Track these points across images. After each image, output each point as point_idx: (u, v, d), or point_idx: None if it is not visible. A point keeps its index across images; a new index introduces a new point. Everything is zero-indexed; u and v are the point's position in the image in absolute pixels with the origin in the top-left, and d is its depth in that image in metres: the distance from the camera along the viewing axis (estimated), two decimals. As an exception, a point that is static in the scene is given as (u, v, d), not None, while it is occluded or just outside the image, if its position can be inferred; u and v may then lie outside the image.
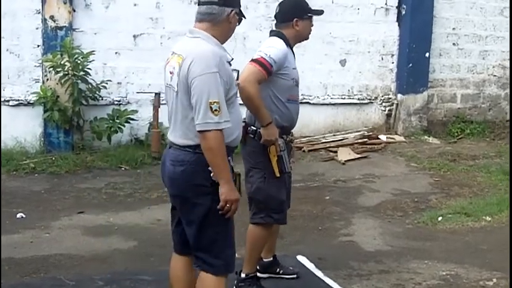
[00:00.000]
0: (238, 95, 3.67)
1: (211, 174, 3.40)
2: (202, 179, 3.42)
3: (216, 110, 3.28)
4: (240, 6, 3.60)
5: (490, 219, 6.36)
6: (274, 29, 4.58)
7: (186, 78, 3.36)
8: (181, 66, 3.39)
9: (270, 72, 4.23)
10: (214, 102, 3.28)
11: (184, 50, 3.45)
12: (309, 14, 4.51)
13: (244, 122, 4.38)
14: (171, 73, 3.50)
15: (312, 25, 4.56)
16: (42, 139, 8.33)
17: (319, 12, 4.61)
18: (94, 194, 7.01)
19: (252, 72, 4.18)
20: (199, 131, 3.32)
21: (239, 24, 3.64)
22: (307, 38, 4.64)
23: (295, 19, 4.42)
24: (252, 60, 4.23)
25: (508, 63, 10.71)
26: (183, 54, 3.43)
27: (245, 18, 3.69)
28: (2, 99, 8.15)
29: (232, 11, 3.51)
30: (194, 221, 3.51)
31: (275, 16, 4.54)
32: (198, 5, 3.57)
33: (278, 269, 4.85)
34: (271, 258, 4.82)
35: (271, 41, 4.38)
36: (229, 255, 3.63)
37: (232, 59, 3.63)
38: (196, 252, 3.60)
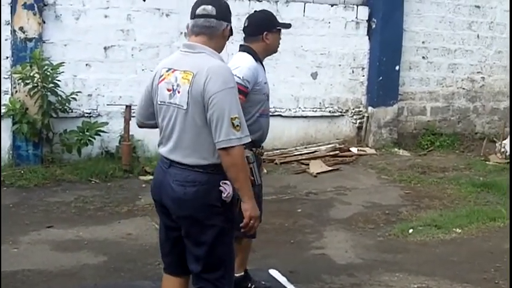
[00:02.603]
0: None
1: (222, 195, 3.37)
2: (214, 199, 3.39)
3: (237, 126, 3.27)
4: (231, 21, 3.59)
5: (460, 231, 6.40)
6: (242, 43, 4.57)
7: (202, 96, 3.29)
8: (192, 84, 3.32)
9: (246, 93, 4.23)
10: (235, 117, 3.27)
11: (193, 66, 3.37)
12: (278, 27, 4.54)
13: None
14: (169, 90, 3.42)
15: (280, 38, 4.59)
16: (11, 152, 8.20)
17: (287, 26, 4.67)
18: (63, 208, 6.91)
19: None
20: (222, 148, 3.28)
21: (228, 40, 3.63)
22: (276, 51, 4.66)
23: (265, 32, 4.43)
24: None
25: (476, 77, 10.87)
26: (192, 70, 3.35)
27: (232, 35, 3.67)
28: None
29: (227, 25, 3.53)
30: (206, 242, 3.46)
31: (244, 30, 4.54)
32: (193, 18, 3.50)
33: (250, 284, 4.80)
34: (243, 273, 4.78)
35: (240, 59, 4.36)
36: (232, 275, 3.68)
37: None
38: (202, 273, 3.53)
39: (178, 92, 3.37)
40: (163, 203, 3.54)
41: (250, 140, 3.38)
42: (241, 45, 4.55)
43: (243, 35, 4.55)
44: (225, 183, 3.38)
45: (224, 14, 3.50)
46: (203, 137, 3.35)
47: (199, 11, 3.46)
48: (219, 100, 3.27)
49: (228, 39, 3.61)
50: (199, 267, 3.52)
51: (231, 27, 3.57)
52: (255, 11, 4.68)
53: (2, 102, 8.04)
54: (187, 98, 3.33)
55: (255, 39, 4.45)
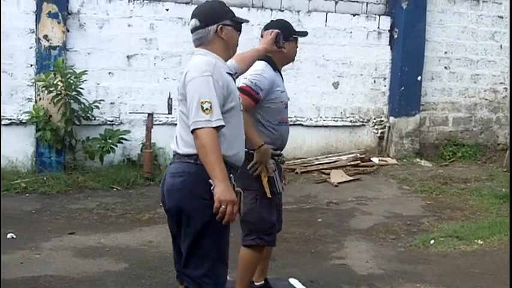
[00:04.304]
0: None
1: (212, 188, 3.27)
2: (202, 191, 3.33)
3: (207, 109, 3.26)
4: (228, 17, 3.57)
5: (481, 242, 6.34)
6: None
7: (184, 88, 3.40)
8: (182, 79, 3.44)
9: (256, 99, 4.25)
10: (205, 101, 3.27)
11: (186, 67, 3.51)
12: (294, 36, 4.55)
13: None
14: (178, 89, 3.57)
15: (297, 46, 4.60)
16: (34, 159, 8.29)
17: (304, 34, 4.68)
18: (85, 214, 6.97)
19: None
20: (192, 131, 3.29)
21: (239, 31, 3.64)
22: (293, 60, 4.69)
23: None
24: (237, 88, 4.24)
25: (499, 87, 10.79)
26: (185, 69, 3.48)
27: (247, 22, 3.70)
28: (-6, 118, 8.13)
29: (218, 26, 3.51)
30: (190, 234, 3.40)
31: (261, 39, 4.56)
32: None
33: (270, 293, 4.82)
34: (263, 282, 4.78)
35: (258, 67, 4.38)
36: (220, 275, 3.49)
37: (236, 72, 3.66)
38: (185, 268, 3.47)
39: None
40: (163, 202, 3.58)
41: (222, 123, 3.30)
42: None
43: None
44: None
45: (208, 18, 3.52)
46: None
47: (189, 26, 3.59)
48: (192, 86, 3.34)
49: (238, 32, 3.62)
50: (184, 262, 3.46)
51: (231, 21, 3.56)
52: (271, 21, 4.70)
53: (26, 109, 8.14)
54: (178, 93, 3.51)
55: None
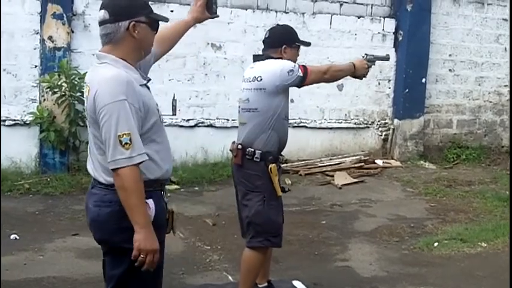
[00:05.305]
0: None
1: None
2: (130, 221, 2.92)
3: (126, 144, 2.83)
4: (144, 13, 3.06)
5: (485, 245, 6.33)
6: (260, 53, 4.61)
7: (94, 111, 2.92)
8: (88, 98, 2.97)
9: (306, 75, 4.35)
10: (123, 134, 2.84)
11: (91, 80, 3.02)
12: (297, 43, 4.56)
13: (240, 144, 4.39)
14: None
15: (298, 55, 4.61)
16: (38, 160, 8.30)
17: (307, 44, 4.71)
18: (89, 215, 6.95)
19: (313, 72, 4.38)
20: (112, 170, 2.88)
21: (156, 29, 3.15)
22: None
23: (284, 46, 4.46)
24: (303, 67, 4.32)
25: (503, 90, 10.78)
26: (89, 84, 3.00)
27: (166, 20, 3.24)
28: (-2, 119, 8.14)
29: (130, 22, 3.00)
30: (121, 265, 3.04)
31: (264, 41, 4.57)
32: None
33: (273, 295, 4.82)
34: (266, 284, 4.78)
35: (272, 61, 4.40)
36: None
37: (149, 80, 3.16)
38: None
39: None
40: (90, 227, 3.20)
41: (145, 158, 2.91)
42: (261, 55, 4.56)
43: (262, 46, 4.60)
44: (146, 203, 2.96)
45: (120, 12, 3.01)
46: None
47: (98, 18, 3.08)
48: (105, 115, 2.86)
49: (154, 32, 3.13)
50: None
51: (146, 19, 3.06)
52: (277, 25, 4.73)
53: (30, 110, 8.15)
54: (88, 114, 3.04)
55: (274, 51, 4.47)
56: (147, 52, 3.16)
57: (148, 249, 2.91)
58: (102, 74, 2.96)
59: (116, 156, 2.84)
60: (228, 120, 9.03)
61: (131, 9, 3.01)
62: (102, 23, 3.04)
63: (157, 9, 8.56)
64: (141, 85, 3.03)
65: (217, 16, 3.69)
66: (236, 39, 8.99)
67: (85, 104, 3.07)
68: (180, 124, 8.92)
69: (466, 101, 10.64)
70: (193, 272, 5.40)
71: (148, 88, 3.13)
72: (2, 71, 8.12)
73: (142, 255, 2.90)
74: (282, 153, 4.56)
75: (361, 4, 9.86)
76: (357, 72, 4.65)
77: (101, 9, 3.04)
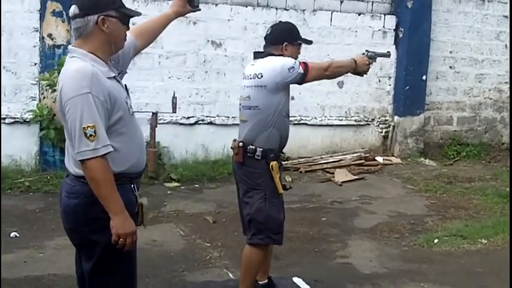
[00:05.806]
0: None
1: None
2: (98, 211, 2.98)
3: (91, 136, 2.88)
4: (114, 7, 3.07)
5: (485, 242, 6.33)
6: (261, 50, 4.60)
7: (61, 105, 2.98)
8: (58, 92, 3.02)
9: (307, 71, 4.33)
10: (88, 126, 2.88)
11: (61, 74, 3.07)
12: (299, 41, 4.55)
13: (241, 142, 4.38)
14: None
15: (299, 53, 4.59)
16: (38, 157, 8.30)
17: (309, 42, 4.69)
18: (89, 213, 6.95)
19: (314, 68, 4.36)
20: (80, 161, 2.95)
21: (126, 24, 3.15)
22: None
23: (285, 43, 4.45)
24: (304, 64, 4.30)
25: (504, 87, 10.78)
26: (59, 78, 3.07)
27: (138, 14, 3.24)
28: (-2, 117, 8.14)
29: (99, 16, 3.01)
30: (93, 257, 3.13)
31: (265, 37, 4.56)
32: None
33: (274, 291, 4.82)
34: (267, 281, 4.78)
35: (276, 58, 4.39)
36: None
37: (120, 72, 3.22)
38: None
39: None
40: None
41: (110, 150, 2.96)
42: (261, 52, 4.56)
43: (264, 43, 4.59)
44: None
45: (88, 6, 3.03)
46: None
47: (70, 13, 3.11)
48: (70, 108, 2.91)
49: (126, 27, 3.15)
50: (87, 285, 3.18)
51: (116, 13, 3.07)
52: (280, 22, 4.71)
53: (30, 108, 8.14)
54: (59, 108, 3.08)
55: (275, 48, 4.46)
56: (118, 46, 3.17)
57: (127, 232, 3.02)
58: (69, 68, 3.01)
59: (82, 148, 2.91)
60: (228, 117, 9.03)
61: (100, 4, 3.04)
62: (73, 17, 3.07)
63: (156, 6, 8.61)
64: (109, 78, 3.05)
65: (199, 10, 3.68)
66: (236, 36, 8.98)
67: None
68: (181, 122, 8.92)
69: (467, 98, 10.64)
70: (193, 269, 5.40)
71: (118, 81, 3.15)
72: (2, 69, 8.12)
73: (121, 239, 3.01)
74: (283, 150, 4.56)
75: (362, 1, 9.86)
76: (358, 69, 4.64)
77: (72, 4, 3.08)
